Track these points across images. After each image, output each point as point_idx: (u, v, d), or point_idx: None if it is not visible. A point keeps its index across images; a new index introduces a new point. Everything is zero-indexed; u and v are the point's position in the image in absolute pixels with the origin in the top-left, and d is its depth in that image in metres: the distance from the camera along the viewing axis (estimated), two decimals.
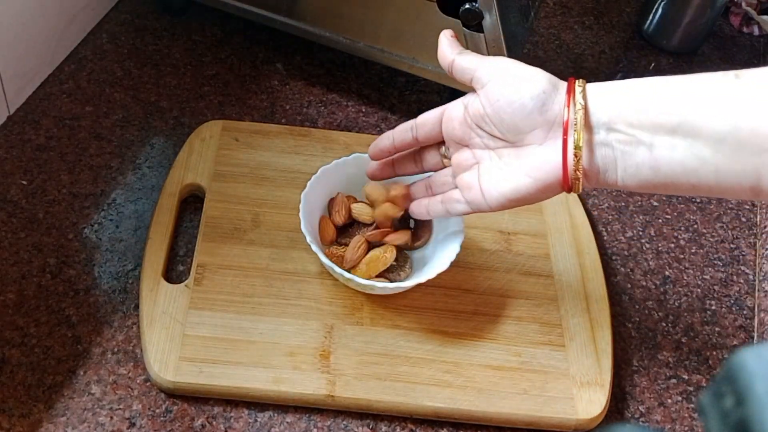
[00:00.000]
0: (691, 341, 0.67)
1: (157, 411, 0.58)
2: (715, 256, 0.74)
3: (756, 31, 0.99)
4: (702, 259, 0.73)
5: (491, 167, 0.54)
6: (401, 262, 0.65)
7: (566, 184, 0.50)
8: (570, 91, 0.50)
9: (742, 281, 0.72)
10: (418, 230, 0.66)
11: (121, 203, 0.70)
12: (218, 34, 0.87)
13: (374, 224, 0.66)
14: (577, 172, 0.49)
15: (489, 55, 0.71)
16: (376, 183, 0.64)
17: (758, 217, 0.78)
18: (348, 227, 0.66)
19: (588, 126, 0.49)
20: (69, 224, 0.68)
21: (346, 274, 0.60)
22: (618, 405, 0.62)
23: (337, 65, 0.86)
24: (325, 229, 0.66)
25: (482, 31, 0.70)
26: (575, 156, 0.49)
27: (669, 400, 0.63)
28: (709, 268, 0.73)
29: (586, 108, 0.49)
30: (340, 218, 0.65)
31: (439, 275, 0.61)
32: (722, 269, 0.73)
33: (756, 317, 0.69)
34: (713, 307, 0.70)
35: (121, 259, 0.66)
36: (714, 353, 0.66)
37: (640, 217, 0.76)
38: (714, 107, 0.45)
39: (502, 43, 0.70)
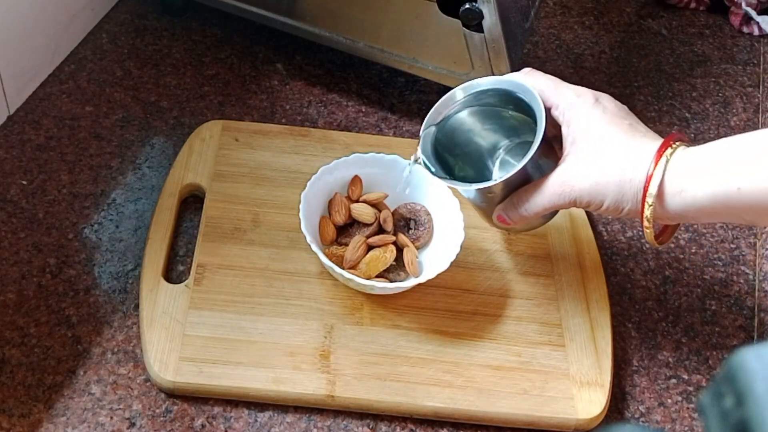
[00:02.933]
0: (691, 341, 0.67)
1: (157, 411, 0.58)
2: (715, 256, 0.74)
3: (756, 31, 0.98)
4: (702, 259, 0.73)
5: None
6: (401, 262, 0.65)
7: None
8: (645, 190, 0.51)
9: (742, 281, 0.72)
10: (418, 230, 0.66)
11: (121, 203, 0.70)
12: (218, 34, 0.87)
13: (374, 224, 0.66)
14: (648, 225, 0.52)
15: (489, 54, 0.71)
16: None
17: None
18: (348, 227, 0.66)
19: (662, 195, 0.51)
20: (69, 224, 0.68)
21: (346, 274, 0.60)
22: (618, 405, 0.62)
23: (337, 65, 0.86)
24: (325, 229, 0.66)
25: (482, 31, 0.70)
26: (648, 222, 0.52)
27: (669, 400, 0.63)
28: (709, 268, 0.73)
29: (661, 194, 0.51)
30: (340, 218, 0.65)
31: (439, 275, 0.61)
32: (722, 269, 0.73)
33: (756, 317, 0.69)
34: (713, 307, 0.70)
35: (121, 259, 0.66)
36: (714, 353, 0.66)
37: None
38: None
39: (502, 43, 0.70)
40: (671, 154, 0.51)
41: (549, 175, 0.55)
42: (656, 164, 0.51)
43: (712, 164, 0.50)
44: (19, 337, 0.60)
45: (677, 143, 0.52)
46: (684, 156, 0.51)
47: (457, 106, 0.60)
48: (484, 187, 0.57)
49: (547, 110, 0.56)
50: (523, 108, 0.57)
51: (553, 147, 0.58)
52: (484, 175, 0.63)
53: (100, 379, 0.59)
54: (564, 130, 0.55)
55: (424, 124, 0.60)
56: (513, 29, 0.72)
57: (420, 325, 0.63)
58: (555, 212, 0.61)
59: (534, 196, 0.56)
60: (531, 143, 0.55)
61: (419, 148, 0.60)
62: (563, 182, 0.54)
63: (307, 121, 0.80)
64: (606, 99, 0.56)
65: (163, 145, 0.75)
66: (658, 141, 0.53)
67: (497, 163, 0.64)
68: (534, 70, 0.58)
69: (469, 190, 0.58)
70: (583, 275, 0.68)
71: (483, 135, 0.63)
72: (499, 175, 0.62)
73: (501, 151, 0.64)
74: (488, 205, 0.59)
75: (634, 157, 0.52)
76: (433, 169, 0.59)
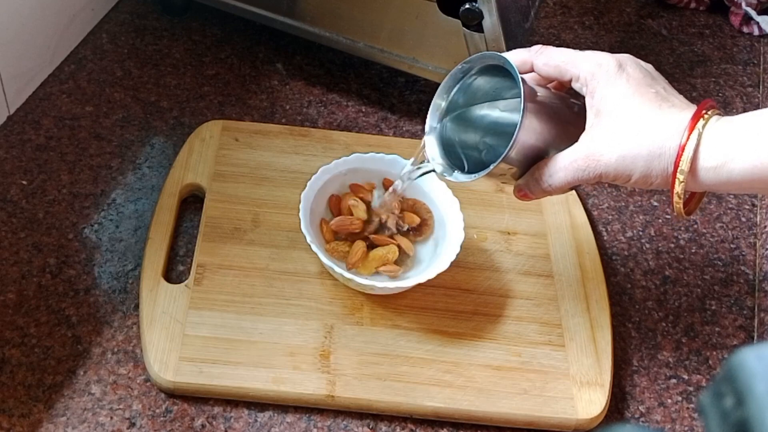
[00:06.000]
0: (691, 341, 0.67)
1: (157, 411, 0.58)
2: (715, 256, 0.74)
3: (756, 31, 0.98)
4: (702, 259, 0.73)
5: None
6: (403, 257, 0.65)
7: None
8: (676, 166, 0.49)
9: (742, 281, 0.72)
10: (419, 227, 0.66)
11: (121, 203, 0.70)
12: (218, 34, 0.87)
13: (375, 222, 0.65)
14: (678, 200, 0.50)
15: None
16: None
17: (758, 217, 0.78)
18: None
19: (695, 170, 0.49)
20: (69, 224, 0.68)
21: (346, 274, 0.60)
22: (618, 405, 0.62)
23: (337, 65, 0.86)
24: (325, 230, 0.65)
25: (482, 31, 0.70)
26: (678, 198, 0.50)
27: (669, 400, 0.63)
28: (709, 268, 0.73)
29: (693, 169, 0.48)
30: (358, 224, 0.65)
31: (439, 275, 0.61)
32: (722, 269, 0.73)
33: (756, 317, 0.70)
34: (713, 307, 0.70)
35: (121, 259, 0.66)
36: (714, 353, 0.66)
37: (640, 217, 0.76)
38: None
39: (502, 43, 0.70)
40: (704, 126, 0.48)
41: (570, 147, 0.52)
42: (688, 138, 0.48)
43: (750, 138, 0.47)
44: (19, 337, 0.60)
45: (709, 112, 0.49)
46: (718, 127, 0.48)
47: (454, 106, 0.59)
48: (487, 173, 0.54)
49: (568, 83, 0.53)
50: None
51: (571, 118, 0.54)
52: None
53: (100, 379, 0.59)
54: (588, 101, 0.52)
55: (426, 128, 0.59)
56: (513, 29, 0.72)
57: (420, 325, 0.63)
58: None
59: (557, 170, 0.52)
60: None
61: (426, 154, 0.58)
62: (588, 156, 0.51)
63: (307, 121, 0.80)
64: (630, 64, 0.52)
65: (163, 145, 0.75)
66: (689, 110, 0.49)
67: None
68: (546, 46, 0.54)
69: (478, 178, 0.55)
70: (583, 275, 0.68)
71: (500, 122, 0.60)
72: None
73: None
74: (509, 183, 0.57)
75: (663, 129, 0.49)
76: (440, 169, 0.58)
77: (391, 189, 0.63)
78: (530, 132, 0.52)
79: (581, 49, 0.90)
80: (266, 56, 0.86)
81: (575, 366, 0.62)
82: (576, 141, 0.52)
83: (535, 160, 0.54)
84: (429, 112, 0.58)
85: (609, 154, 0.50)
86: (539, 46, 0.55)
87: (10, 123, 0.75)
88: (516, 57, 0.55)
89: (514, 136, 0.51)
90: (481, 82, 0.57)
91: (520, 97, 0.51)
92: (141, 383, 0.59)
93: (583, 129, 0.52)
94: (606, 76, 0.51)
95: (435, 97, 0.58)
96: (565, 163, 0.52)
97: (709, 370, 0.65)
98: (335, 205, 0.67)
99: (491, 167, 0.53)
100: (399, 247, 0.65)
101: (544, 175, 0.53)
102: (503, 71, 0.54)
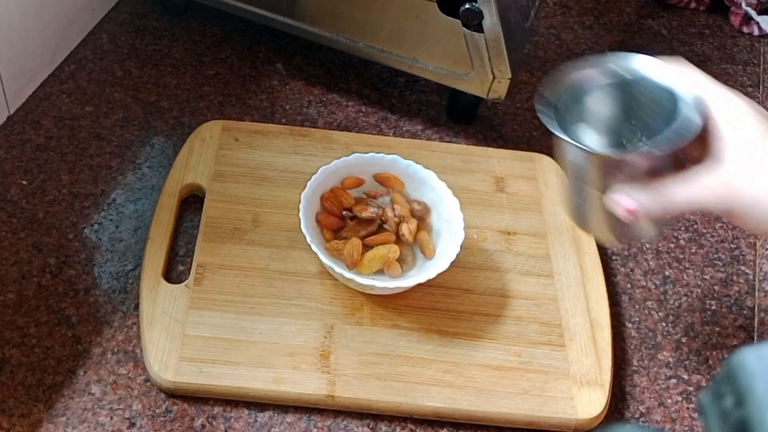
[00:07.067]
0: (691, 341, 0.67)
1: (157, 411, 0.58)
2: (715, 256, 0.74)
3: (756, 31, 0.98)
4: (702, 259, 0.73)
5: None
6: (405, 257, 0.65)
7: None
8: None
9: (742, 281, 0.72)
10: (419, 226, 0.66)
11: (121, 203, 0.70)
12: (218, 34, 0.87)
13: (374, 223, 0.65)
14: None
15: (489, 54, 0.71)
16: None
17: None
18: (348, 221, 0.66)
19: None
20: (69, 224, 0.68)
21: (347, 274, 0.60)
22: (618, 405, 0.62)
23: (337, 65, 0.86)
24: (325, 230, 0.65)
25: (482, 31, 0.70)
26: None
27: (669, 400, 0.63)
28: (709, 268, 0.73)
29: None
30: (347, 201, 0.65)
31: (439, 275, 0.61)
32: (722, 269, 0.73)
33: (756, 317, 0.70)
34: (713, 307, 0.70)
35: (121, 259, 0.66)
36: (714, 353, 0.66)
37: None
38: None
39: (502, 43, 0.70)
40: None
41: (709, 169, 0.49)
42: None
43: None
44: (19, 337, 0.60)
45: None
46: None
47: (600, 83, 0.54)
48: (632, 157, 0.50)
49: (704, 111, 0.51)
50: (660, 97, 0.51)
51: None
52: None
53: (100, 379, 0.59)
54: (725, 130, 0.49)
55: (552, 89, 0.53)
56: (513, 29, 0.72)
57: (420, 325, 0.63)
58: (664, 227, 0.55)
59: (685, 188, 0.48)
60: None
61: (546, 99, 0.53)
62: (727, 183, 0.48)
63: (307, 121, 0.80)
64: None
65: (163, 145, 0.75)
66: None
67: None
68: (691, 66, 0.52)
69: (609, 157, 0.51)
70: (583, 275, 0.68)
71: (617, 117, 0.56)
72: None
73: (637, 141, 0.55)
74: (599, 181, 0.52)
75: None
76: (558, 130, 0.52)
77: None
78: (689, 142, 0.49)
79: (581, 49, 0.90)
80: (266, 56, 0.86)
81: (575, 366, 0.62)
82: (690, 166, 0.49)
83: (660, 172, 0.50)
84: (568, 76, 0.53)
85: (750, 188, 0.47)
86: (687, 65, 0.52)
87: (10, 123, 0.75)
88: None
89: (682, 131, 0.48)
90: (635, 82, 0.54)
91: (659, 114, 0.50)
92: (141, 383, 0.59)
93: (701, 156, 0.50)
94: (750, 114, 0.51)
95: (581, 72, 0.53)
96: (695, 183, 0.49)
97: (709, 370, 0.65)
98: (334, 202, 0.66)
99: (644, 149, 0.49)
100: (399, 243, 0.65)
101: (668, 189, 0.49)
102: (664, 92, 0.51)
